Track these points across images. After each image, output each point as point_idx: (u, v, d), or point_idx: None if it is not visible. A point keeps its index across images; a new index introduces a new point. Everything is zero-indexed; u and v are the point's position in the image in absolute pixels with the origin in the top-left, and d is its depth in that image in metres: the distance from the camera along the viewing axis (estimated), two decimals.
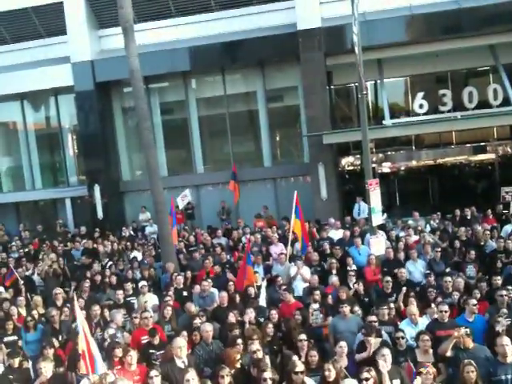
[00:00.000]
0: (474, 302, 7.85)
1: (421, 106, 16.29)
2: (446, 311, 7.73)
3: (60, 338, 9.27)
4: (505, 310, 7.68)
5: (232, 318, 8.68)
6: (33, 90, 19.49)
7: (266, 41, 17.39)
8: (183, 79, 19.36)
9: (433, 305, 8.37)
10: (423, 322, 8.00)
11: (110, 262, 13.14)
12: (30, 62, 19.36)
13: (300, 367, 6.30)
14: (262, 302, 9.69)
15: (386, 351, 6.52)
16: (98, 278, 11.81)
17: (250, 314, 8.67)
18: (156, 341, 8.18)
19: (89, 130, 19.29)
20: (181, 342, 7.30)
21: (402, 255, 11.00)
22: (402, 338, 7.33)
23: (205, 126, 19.74)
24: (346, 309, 8.40)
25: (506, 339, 6.33)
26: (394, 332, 7.71)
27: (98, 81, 18.90)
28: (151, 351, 8.05)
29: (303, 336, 7.55)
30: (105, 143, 19.29)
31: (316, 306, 9.16)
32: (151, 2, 18.29)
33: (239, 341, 7.40)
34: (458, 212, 14.31)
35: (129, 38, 12.92)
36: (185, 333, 8.10)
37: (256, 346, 7.24)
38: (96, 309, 9.69)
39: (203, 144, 19.64)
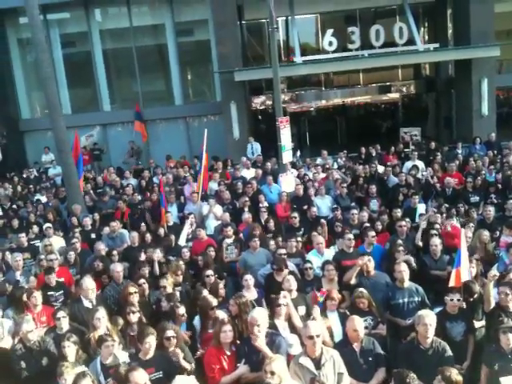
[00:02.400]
0: (373, 233, 8.28)
1: (330, 44, 16.35)
2: (350, 239, 8.12)
3: None
4: (400, 241, 8.13)
5: (143, 257, 8.62)
6: None
7: None
8: (85, 9, 18.12)
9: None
10: (330, 253, 8.35)
11: (14, 206, 12.41)
12: None
13: (213, 302, 6.42)
14: (182, 241, 9.65)
15: (291, 278, 6.77)
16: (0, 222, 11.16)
17: (159, 254, 8.63)
18: (53, 282, 7.96)
19: None
20: (90, 284, 7.15)
21: (311, 192, 11.30)
22: (310, 268, 7.62)
23: (110, 61, 18.75)
24: (256, 243, 8.58)
25: (403, 266, 6.76)
26: (302, 263, 8.03)
27: None
28: (49, 293, 7.82)
29: (210, 272, 7.68)
30: (1, 79, 17.79)
31: (229, 240, 9.29)
32: None
33: (142, 280, 7.41)
34: (363, 150, 14.88)
35: None
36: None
37: (166, 281, 7.33)
38: None
39: (109, 80, 18.69)
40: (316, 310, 6.18)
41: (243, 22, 18.18)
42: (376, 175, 12.46)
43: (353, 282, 7.13)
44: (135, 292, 6.94)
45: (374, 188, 10.93)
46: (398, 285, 6.71)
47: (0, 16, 17.80)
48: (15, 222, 11.08)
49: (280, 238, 9.07)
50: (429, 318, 5.38)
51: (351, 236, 8.21)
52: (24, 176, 15.42)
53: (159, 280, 7.54)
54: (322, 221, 9.42)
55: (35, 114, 19.21)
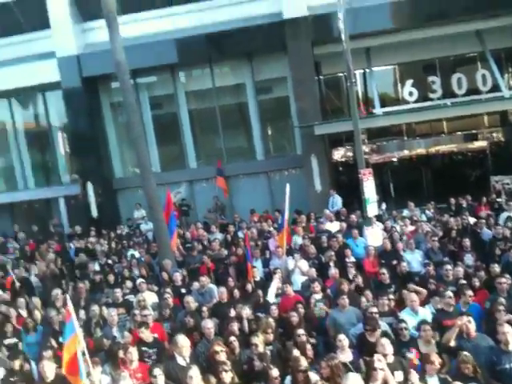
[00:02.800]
0: (470, 292, 7.91)
1: (410, 94, 16.32)
2: (450, 297, 7.78)
3: (60, 340, 9.19)
4: (502, 300, 7.71)
5: (233, 313, 8.70)
6: (19, 87, 19.20)
7: (253, 31, 17.19)
8: (171, 72, 19.18)
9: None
10: (424, 311, 8.05)
11: (109, 261, 13.04)
12: (15, 58, 19.00)
13: (304, 364, 6.31)
14: (271, 297, 9.67)
15: (384, 342, 6.54)
16: (96, 277, 11.74)
17: (248, 310, 8.67)
18: (149, 338, 8.13)
19: (78, 127, 19.10)
20: (184, 341, 7.27)
21: (399, 246, 11.03)
22: (405, 328, 7.35)
23: (196, 120, 19.61)
24: (345, 301, 8.42)
25: (507, 327, 6.40)
26: (395, 323, 7.77)
27: (85, 75, 18.67)
28: (143, 348, 7.99)
29: (301, 331, 7.58)
30: (95, 140, 19.10)
31: (318, 296, 9.18)
32: None
33: (232, 338, 7.40)
34: (452, 201, 14.37)
35: (113, 29, 12.63)
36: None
37: (258, 339, 7.30)
38: (95, 309, 9.66)
39: (195, 138, 19.50)
40: (414, 376, 5.94)
41: (321, 77, 18.54)
42: (469, 228, 11.97)
43: (452, 344, 6.82)
44: (221, 350, 6.98)
45: (467, 241, 10.47)
46: (503, 348, 6.34)
47: (94, 82, 19.21)
48: (111, 277, 11.61)
49: (370, 296, 8.88)
50: None
51: (451, 294, 7.88)
52: (118, 232, 16.20)
53: (250, 338, 7.53)
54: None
55: (127, 172, 20.33)
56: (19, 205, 20.97)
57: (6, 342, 9.46)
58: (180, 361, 7.17)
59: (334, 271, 10.07)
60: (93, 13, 18.10)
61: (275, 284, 9.99)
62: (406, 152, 18.83)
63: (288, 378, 6.44)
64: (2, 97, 20.01)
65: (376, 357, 6.00)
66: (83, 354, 6.47)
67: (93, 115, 19.14)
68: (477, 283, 8.67)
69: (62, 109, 19.50)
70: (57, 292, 10.73)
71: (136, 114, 13.23)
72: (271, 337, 7.86)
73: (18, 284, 11.73)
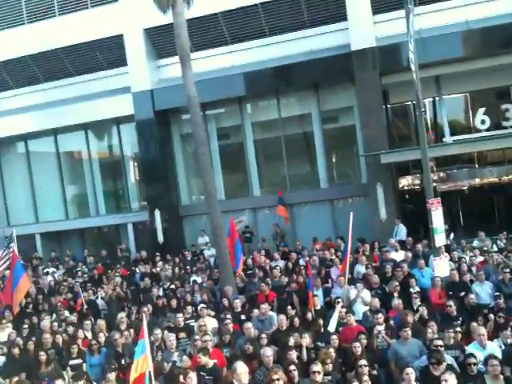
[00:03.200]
0: None
1: (483, 122, 15.91)
2: None
3: (123, 362, 9.41)
4: None
5: (292, 342, 8.59)
6: (96, 120, 20.36)
7: (320, 63, 17.45)
8: (239, 104, 19.67)
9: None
10: (493, 345, 7.61)
11: (172, 286, 13.30)
12: (93, 94, 20.28)
13: None
14: (332, 327, 9.51)
15: (449, 376, 6.25)
16: (159, 301, 11.98)
17: (307, 339, 8.53)
18: (208, 364, 8.15)
19: (149, 156, 19.92)
20: (243, 368, 7.22)
21: (467, 277, 10.53)
22: (474, 364, 6.96)
23: (260, 150, 19.90)
24: (408, 333, 8.13)
25: None
26: (462, 356, 7.39)
27: (158, 109, 19.50)
28: (202, 373, 8.02)
29: (363, 361, 7.39)
30: (164, 169, 19.79)
31: (381, 327, 8.92)
32: (206, 30, 18.81)
33: (292, 367, 7.28)
34: None
35: (186, 66, 13.35)
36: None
37: (317, 367, 7.17)
38: (157, 333, 9.83)
39: (259, 167, 19.77)
40: None
41: (388, 105, 18.36)
42: None
43: None
44: (278, 379, 6.88)
45: None
46: None
47: (165, 114, 20.04)
48: (173, 302, 11.82)
49: (435, 327, 8.50)
50: None
51: None
52: (182, 257, 16.53)
53: (310, 366, 7.39)
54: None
55: (193, 199, 20.84)
56: (90, 230, 22.02)
57: (71, 362, 9.80)
58: None
59: (397, 302, 9.80)
60: (167, 50, 19.19)
61: (337, 314, 9.80)
62: (477, 180, 18.11)
63: None
64: (79, 129, 21.24)
65: None
66: (150, 376, 6.58)
67: (163, 145, 19.90)
68: None
69: (135, 140, 20.46)
70: (121, 315, 11.03)
71: (204, 144, 13.68)
72: (330, 367, 7.68)
73: (85, 306, 12.15)
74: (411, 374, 6.77)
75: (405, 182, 18.92)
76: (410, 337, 8.14)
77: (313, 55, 17.71)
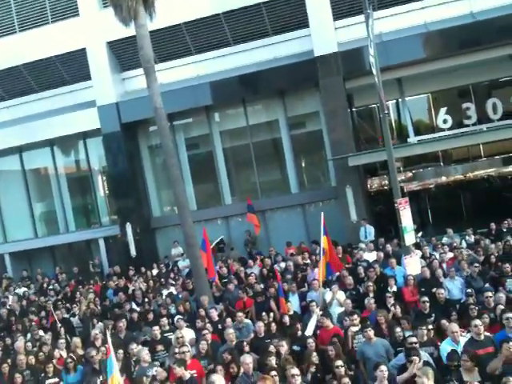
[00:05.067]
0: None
1: (445, 121, 16.28)
2: (479, 325, 7.54)
3: (101, 378, 9.29)
4: None
5: (273, 349, 8.63)
6: (62, 135, 20.07)
7: (284, 70, 17.65)
8: (206, 114, 19.68)
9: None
10: (465, 340, 7.76)
11: (146, 300, 13.18)
12: (58, 109, 20.01)
13: None
14: (310, 331, 9.56)
15: (427, 370, 6.41)
16: (134, 315, 11.86)
17: (285, 347, 8.60)
18: (186, 376, 8.15)
19: (118, 170, 19.74)
20: (219, 381, 7.19)
21: (439, 273, 10.75)
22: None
23: (230, 158, 19.94)
24: (371, 332, 8.31)
25: None
26: (436, 353, 7.55)
27: (124, 121, 19.35)
28: None
29: (339, 362, 7.50)
30: (134, 182, 19.65)
31: (355, 328, 9.02)
32: (170, 41, 18.82)
33: (273, 372, 7.36)
34: (493, 226, 13.99)
35: (151, 78, 13.32)
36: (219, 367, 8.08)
37: (295, 370, 7.28)
38: (134, 347, 9.78)
39: (229, 175, 19.79)
40: None
41: (353, 109, 18.66)
42: (510, 252, 11.58)
43: (498, 372, 6.55)
44: None
45: (508, 267, 10.14)
46: None
47: (132, 127, 19.89)
48: (150, 315, 11.73)
49: (407, 326, 8.66)
50: None
51: (479, 322, 7.63)
52: (156, 270, 16.39)
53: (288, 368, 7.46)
54: None
55: (164, 211, 20.71)
56: (60, 247, 21.58)
57: (48, 381, 9.65)
58: None
59: (369, 301, 9.92)
60: (131, 62, 19.12)
61: (315, 317, 9.89)
62: (443, 178, 18.53)
63: None
64: (45, 145, 20.92)
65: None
66: None
67: (131, 158, 19.77)
68: None
69: (102, 153, 20.22)
70: (95, 331, 10.90)
71: (173, 155, 13.65)
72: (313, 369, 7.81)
73: (59, 325, 11.94)
74: (385, 371, 6.88)
75: (373, 183, 19.24)
76: (373, 337, 8.28)
77: (277, 62, 17.92)
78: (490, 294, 8.98)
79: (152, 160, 20.66)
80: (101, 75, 19.39)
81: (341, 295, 10.84)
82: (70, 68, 20.07)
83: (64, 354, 10.51)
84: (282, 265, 13.92)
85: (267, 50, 18.26)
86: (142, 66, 13.75)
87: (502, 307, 8.37)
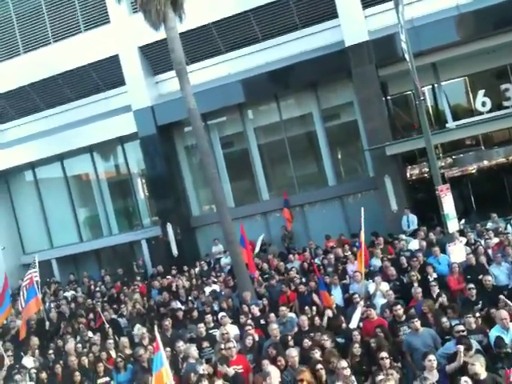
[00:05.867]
0: None
1: (483, 104, 15.89)
2: None
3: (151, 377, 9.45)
4: None
5: (317, 342, 8.64)
6: (100, 141, 20.50)
7: (316, 62, 17.46)
8: (239, 111, 19.72)
9: None
10: None
11: (190, 298, 13.35)
12: (95, 115, 20.41)
13: None
14: (354, 323, 9.51)
15: (477, 360, 6.32)
16: (179, 314, 12.04)
17: (328, 339, 8.59)
18: (229, 373, 8.27)
19: (156, 172, 20.02)
20: (274, 371, 7.27)
21: (483, 259, 10.50)
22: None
23: (265, 154, 19.92)
24: (417, 323, 8.21)
25: None
26: (485, 340, 7.40)
27: (160, 124, 19.59)
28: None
29: (384, 354, 7.43)
30: (172, 183, 19.87)
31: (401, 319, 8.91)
32: (200, 42, 18.92)
33: (318, 366, 7.38)
34: None
35: (183, 80, 13.48)
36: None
37: (344, 363, 7.31)
38: (180, 345, 9.92)
39: (266, 171, 19.78)
40: None
41: (388, 97, 18.36)
42: None
43: None
44: (301, 380, 7.06)
45: None
46: None
47: (168, 128, 20.11)
48: (194, 313, 11.88)
49: (453, 315, 8.51)
50: None
51: None
52: (198, 268, 16.58)
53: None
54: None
55: (203, 210, 20.88)
56: (105, 250, 22.08)
57: (99, 381, 9.91)
58: None
59: (417, 290, 9.77)
60: (163, 65, 19.33)
61: (359, 310, 9.83)
62: (485, 162, 18.03)
63: None
64: (85, 152, 21.42)
65: (463, 379, 5.93)
66: None
67: (168, 159, 20.00)
68: None
69: (140, 156, 20.56)
70: (142, 331, 11.12)
71: (209, 154, 13.79)
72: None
73: (107, 326, 12.24)
74: (433, 360, 6.78)
75: (413, 171, 18.89)
76: (420, 327, 8.17)
77: (308, 55, 17.75)
78: None
79: (189, 160, 20.86)
80: (134, 80, 19.69)
81: (384, 286, 10.75)
82: (103, 75, 20.46)
83: (113, 353, 10.75)
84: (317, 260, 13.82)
85: (297, 44, 18.10)
86: (173, 68, 13.92)
87: None
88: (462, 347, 6.85)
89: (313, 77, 18.12)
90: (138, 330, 11.73)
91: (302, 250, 15.56)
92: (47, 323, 13.74)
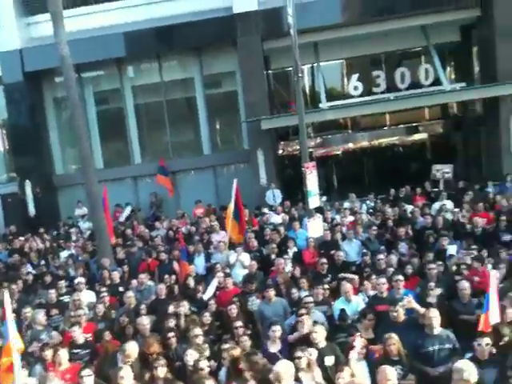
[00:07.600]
0: (400, 278, 8.00)
1: (355, 88, 16.53)
2: (383, 283, 7.87)
3: None
4: (432, 284, 7.87)
5: (171, 310, 8.55)
6: None
7: (202, 25, 16.99)
8: (117, 67, 18.78)
9: (366, 282, 8.48)
10: (357, 299, 8.10)
11: (43, 261, 12.59)
12: None
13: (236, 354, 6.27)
14: (208, 294, 9.55)
15: (318, 328, 6.66)
16: (29, 278, 11.30)
17: (185, 307, 8.55)
18: (80, 339, 7.93)
19: (19, 123, 18.43)
20: (133, 349, 7.02)
21: (338, 236, 11.10)
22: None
23: (142, 115, 19.24)
24: (271, 293, 8.45)
25: (433, 311, 6.45)
26: (329, 311, 7.85)
27: (28, 70, 18.02)
28: (75, 351, 7.82)
29: (239, 323, 7.56)
30: (36, 137, 18.47)
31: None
32: None
33: (170, 334, 7.29)
34: (392, 191, 14.64)
35: (58, 24, 12.30)
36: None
37: (198, 330, 7.32)
38: (27, 311, 9.32)
39: (140, 133, 19.14)
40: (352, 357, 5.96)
41: (269, 71, 18.52)
42: (408, 217, 12.19)
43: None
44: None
45: (402, 231, 10.66)
46: (428, 332, 6.40)
47: (37, 76, 18.57)
48: (47, 278, 11.21)
49: (305, 285, 8.89)
50: (467, 373, 5.00)
51: (384, 281, 7.95)
52: (55, 231, 15.66)
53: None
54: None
55: (69, 169, 19.75)
56: None
57: None
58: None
59: (279, 262, 9.98)
60: (38, 7, 17.63)
61: (215, 281, 9.88)
62: (350, 145, 19.07)
63: (223, 370, 6.48)
64: None
65: (299, 348, 6.16)
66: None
67: (34, 111, 18.55)
68: (410, 270, 8.81)
69: (3, 104, 18.75)
70: None
71: (79, 108, 12.87)
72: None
73: None
74: (278, 331, 7.02)
75: (285, 147, 19.41)
76: (273, 297, 8.44)
77: (195, 16, 17.16)
78: (381, 256, 9.35)
79: (57, 114, 19.48)
80: (4, 18, 17.86)
81: (245, 257, 10.90)
82: None
83: None
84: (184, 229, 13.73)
85: (185, 3, 17.40)
86: (48, 10, 12.66)
87: (392, 269, 8.78)
88: (305, 317, 7.16)
89: (197, 40, 17.54)
90: None
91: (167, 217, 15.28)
92: None
